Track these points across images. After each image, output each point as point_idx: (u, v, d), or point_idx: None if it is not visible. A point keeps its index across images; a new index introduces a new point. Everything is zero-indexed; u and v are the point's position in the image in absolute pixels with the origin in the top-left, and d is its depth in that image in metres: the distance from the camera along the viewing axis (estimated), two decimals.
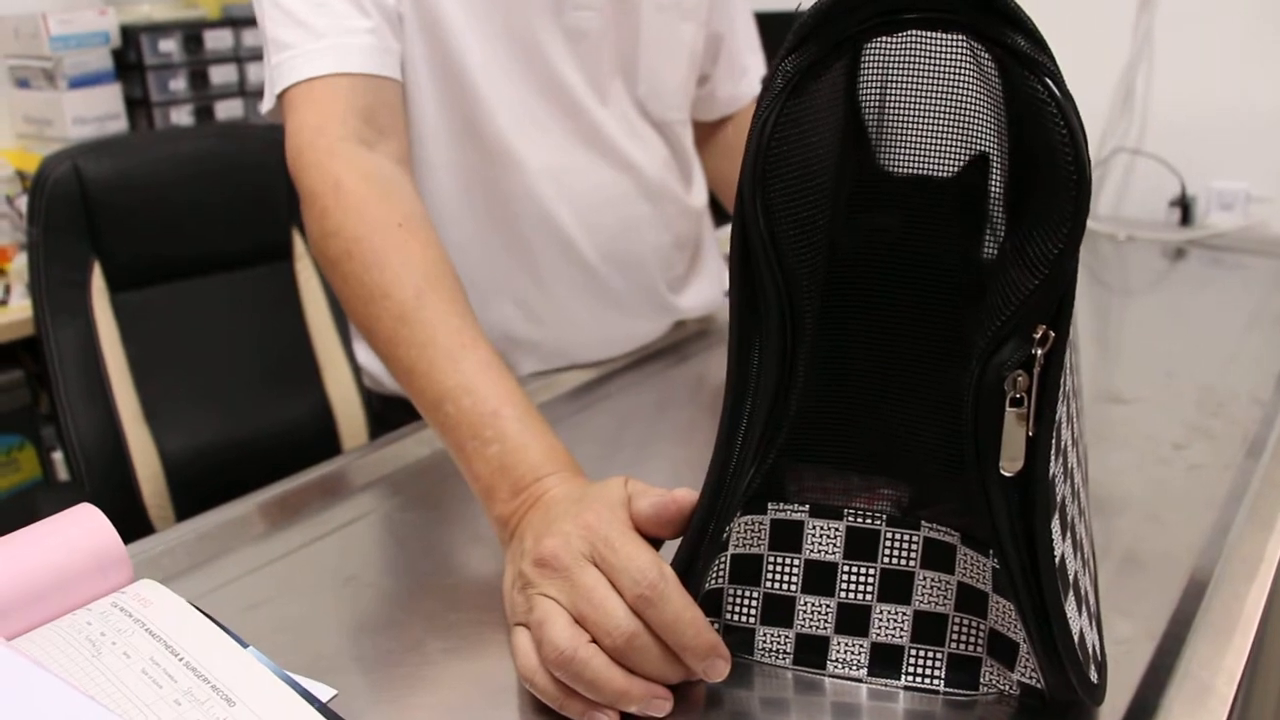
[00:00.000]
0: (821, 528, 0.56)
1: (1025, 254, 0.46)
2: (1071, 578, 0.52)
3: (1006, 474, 0.48)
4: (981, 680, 0.55)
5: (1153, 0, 1.55)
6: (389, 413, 1.06)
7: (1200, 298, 1.31)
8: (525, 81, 0.91)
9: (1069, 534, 0.52)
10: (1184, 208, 1.56)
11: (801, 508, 0.56)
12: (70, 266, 1.32)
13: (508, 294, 0.97)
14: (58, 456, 1.94)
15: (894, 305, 0.52)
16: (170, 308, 1.40)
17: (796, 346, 0.51)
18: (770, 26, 1.16)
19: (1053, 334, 0.45)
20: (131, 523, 1.27)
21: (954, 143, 0.49)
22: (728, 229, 0.52)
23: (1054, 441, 0.48)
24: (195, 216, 1.39)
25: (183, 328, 1.40)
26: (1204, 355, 1.06)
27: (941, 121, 0.49)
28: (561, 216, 0.95)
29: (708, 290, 1.12)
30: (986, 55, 0.46)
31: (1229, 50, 1.52)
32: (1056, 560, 0.50)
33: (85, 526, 0.63)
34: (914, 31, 0.48)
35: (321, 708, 0.53)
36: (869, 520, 0.55)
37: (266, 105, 0.84)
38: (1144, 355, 1.09)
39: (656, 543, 0.56)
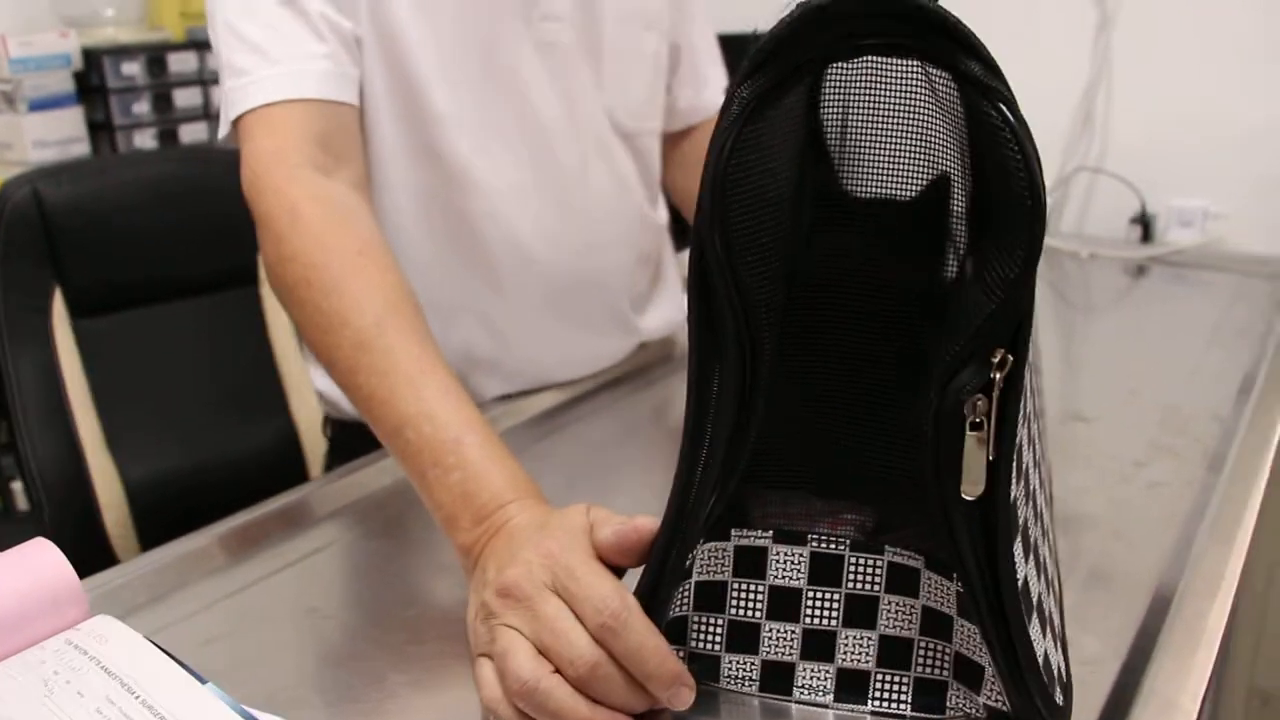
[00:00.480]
0: (785, 553, 0.55)
1: (982, 278, 0.46)
2: (1035, 600, 0.52)
3: (968, 498, 0.48)
4: (948, 704, 0.55)
5: (1111, 21, 1.57)
6: (346, 439, 1.05)
7: (1161, 314, 1.32)
8: (488, 99, 0.90)
9: (1032, 556, 0.52)
10: (1144, 225, 1.57)
11: (765, 534, 0.55)
12: (30, 293, 1.30)
13: (469, 314, 0.96)
14: (17, 486, 1.91)
15: (855, 328, 0.52)
16: (133, 334, 1.39)
17: (756, 372, 0.50)
18: (731, 48, 1.17)
19: (1011, 358, 0.45)
20: (93, 551, 1.25)
21: (915, 165, 0.49)
22: (687, 253, 0.52)
23: (1015, 465, 0.48)
24: (159, 241, 1.37)
25: (146, 354, 1.38)
26: (1165, 372, 1.07)
27: (902, 145, 0.49)
28: (523, 236, 0.94)
29: (669, 309, 1.12)
30: (942, 77, 0.47)
31: (1187, 70, 1.54)
32: (1019, 583, 0.50)
33: (39, 561, 0.61)
34: (871, 57, 0.48)
35: None
36: (833, 545, 0.55)
37: (223, 131, 0.84)
38: (1106, 373, 1.10)
39: (619, 571, 0.56)
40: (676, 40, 1.06)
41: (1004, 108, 0.44)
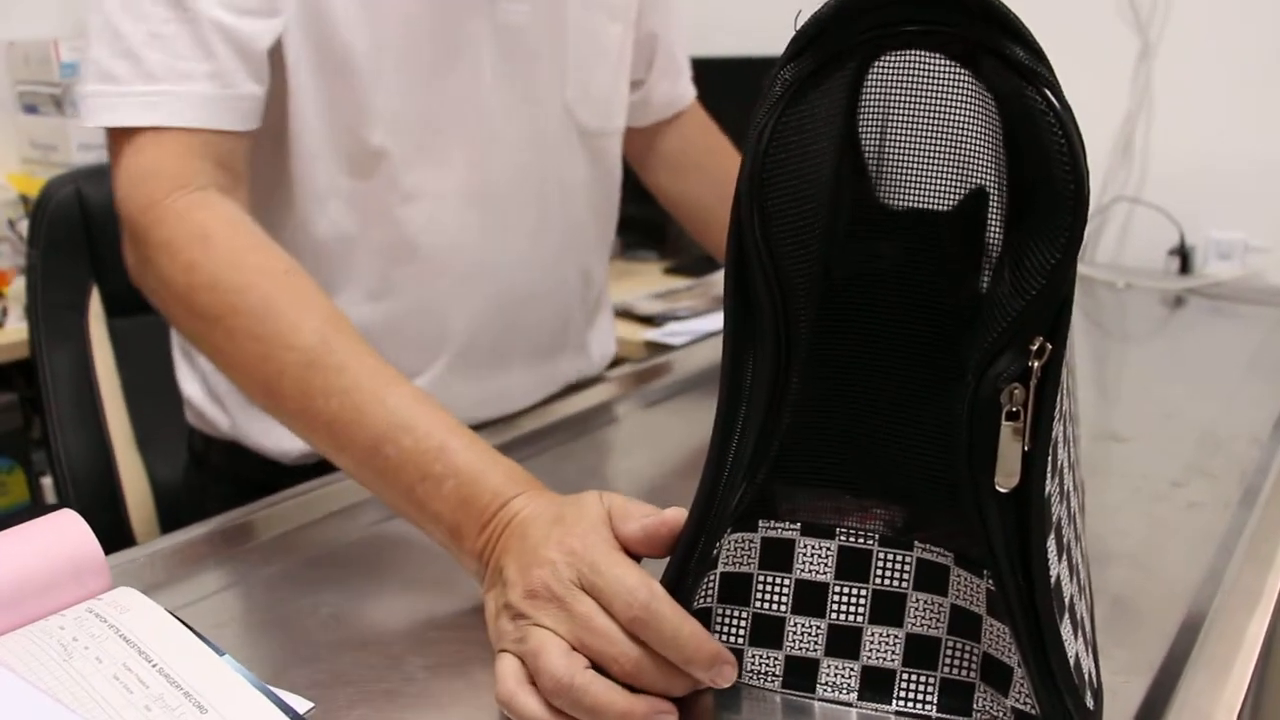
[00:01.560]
0: (813, 547, 0.55)
1: (1022, 265, 0.45)
2: (1067, 601, 0.51)
3: (1002, 490, 0.47)
4: (975, 706, 0.54)
5: (1153, 50, 1.56)
6: (211, 454, 0.98)
7: (1199, 344, 1.30)
8: (436, 90, 0.83)
9: (1065, 556, 0.51)
10: (1183, 256, 1.56)
11: (793, 526, 0.55)
12: (68, 290, 1.31)
13: (408, 334, 0.89)
14: (47, 482, 1.92)
15: (889, 329, 0.52)
16: (166, 335, 1.40)
17: (791, 357, 0.50)
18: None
19: (1049, 346, 0.45)
20: (118, 548, 1.25)
21: (953, 177, 0.49)
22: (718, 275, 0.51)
23: (1050, 459, 0.48)
24: None
25: None
26: (1202, 398, 1.05)
27: (941, 156, 0.49)
28: (466, 246, 0.88)
29: (607, 339, 1.07)
30: (983, 86, 0.46)
31: (1228, 101, 1.53)
32: (1052, 581, 0.49)
33: (65, 532, 0.62)
34: (913, 54, 0.47)
35: (297, 718, 0.52)
36: (861, 540, 0.54)
37: (91, 123, 0.75)
38: (1143, 397, 1.08)
39: (637, 556, 0.55)
40: (652, 29, 1.02)
41: (1049, 93, 0.44)
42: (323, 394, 0.64)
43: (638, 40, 1.01)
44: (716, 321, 1.54)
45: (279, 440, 0.90)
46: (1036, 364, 0.45)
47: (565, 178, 0.93)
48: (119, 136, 0.73)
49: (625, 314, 1.69)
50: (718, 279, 1.82)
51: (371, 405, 0.63)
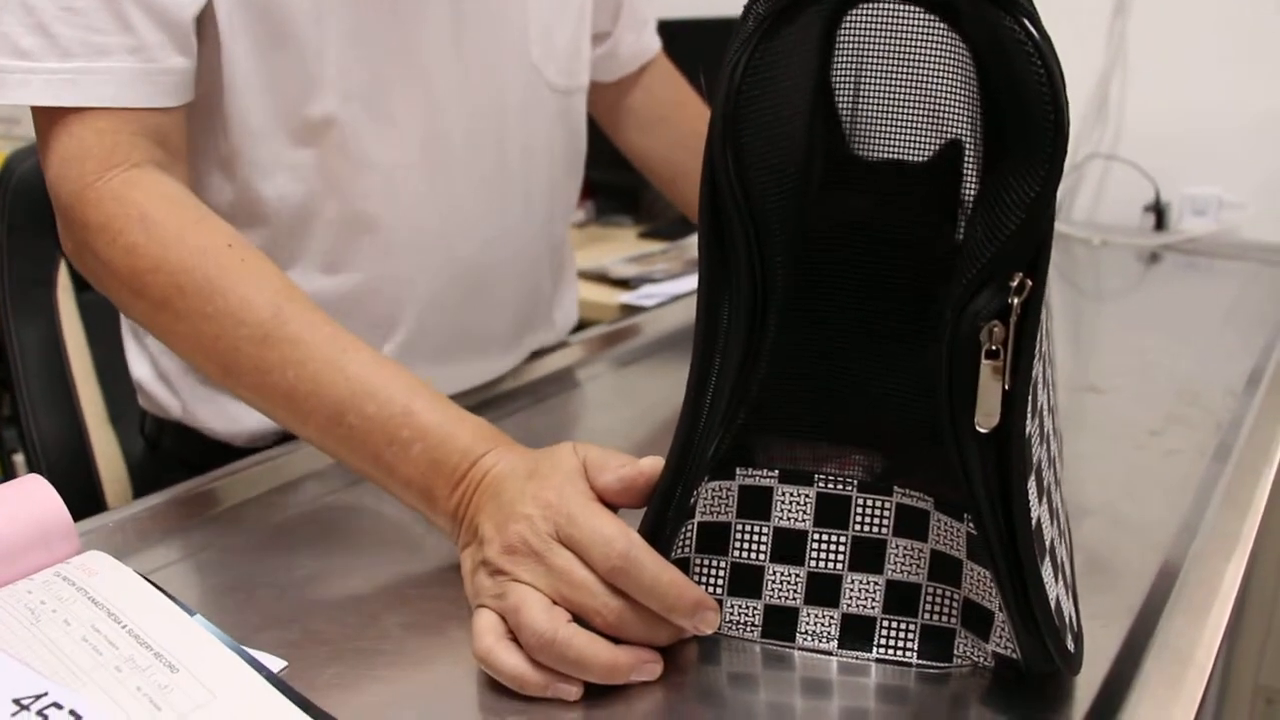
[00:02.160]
0: (791, 494, 0.54)
1: (1001, 201, 0.44)
2: (1048, 544, 0.50)
3: (982, 430, 0.46)
4: (955, 652, 0.54)
5: (1126, 8, 1.56)
6: (163, 438, 0.96)
7: (1174, 300, 1.31)
8: (387, 53, 0.79)
9: (1045, 499, 0.51)
10: (1158, 213, 1.56)
11: (771, 473, 0.54)
12: (35, 264, 1.29)
13: (363, 317, 0.85)
14: (19, 459, 1.90)
15: (867, 276, 0.51)
16: None
17: (768, 303, 0.49)
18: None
19: (1030, 282, 0.44)
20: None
21: (928, 128, 0.48)
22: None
23: (1030, 399, 0.47)
24: None
25: None
26: (1178, 351, 1.05)
27: (916, 107, 0.48)
28: (424, 224, 0.84)
29: (572, 307, 1.06)
30: (959, 38, 0.45)
31: (1202, 58, 1.53)
32: (1034, 522, 0.48)
33: (32, 497, 0.60)
34: (889, 4, 0.46)
35: (270, 676, 0.51)
36: (840, 486, 0.54)
37: (2, 100, 0.69)
38: (1120, 350, 1.08)
39: (615, 507, 0.54)
40: None
41: (1027, 22, 0.43)
42: (279, 367, 0.63)
43: None
44: (691, 284, 1.53)
45: (230, 423, 0.88)
46: (1016, 300, 0.44)
47: (530, 142, 0.90)
48: (44, 116, 0.69)
49: (600, 278, 1.68)
50: (692, 242, 1.81)
51: (330, 374, 0.62)
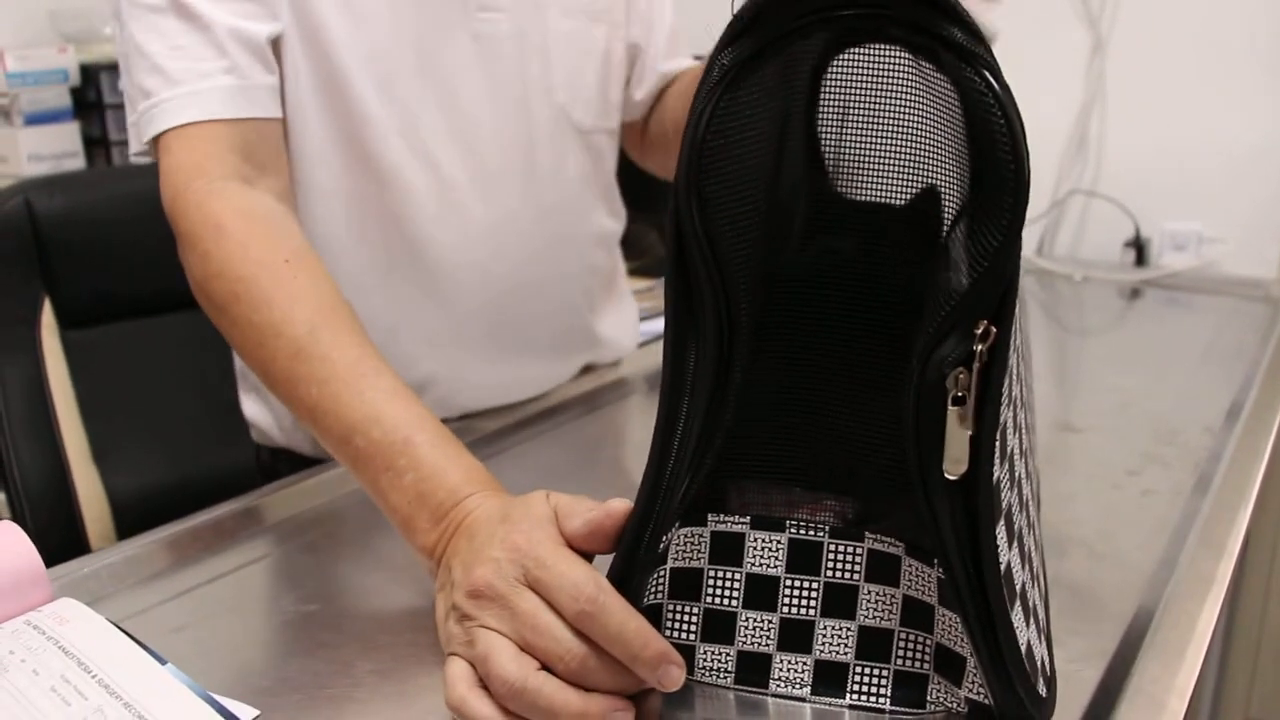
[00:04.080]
0: (763, 540, 0.54)
1: (967, 250, 0.45)
2: (1019, 588, 0.50)
3: (950, 477, 0.47)
4: (929, 698, 0.54)
5: (1104, 45, 1.57)
6: (278, 465, 1.01)
7: (1154, 335, 1.31)
8: (421, 96, 0.86)
9: (1015, 543, 0.51)
10: (1138, 249, 1.57)
11: (742, 519, 0.54)
12: (19, 302, 1.29)
13: (409, 329, 0.91)
14: (0, 497, 1.89)
15: (837, 321, 0.51)
16: (122, 347, 1.37)
17: (734, 348, 0.49)
18: None
19: (994, 329, 0.44)
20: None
21: (913, 171, 0.48)
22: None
23: (998, 445, 0.47)
24: (149, 254, 1.35)
25: (134, 367, 1.37)
26: (1157, 388, 1.06)
27: (901, 151, 0.48)
28: (462, 242, 0.90)
29: (623, 329, 1.08)
30: (946, 79, 0.46)
31: (1180, 95, 1.55)
32: (1002, 568, 0.48)
33: (3, 544, 0.60)
34: (866, 50, 0.47)
35: None
36: (812, 532, 0.54)
37: (134, 148, 0.82)
38: (1099, 388, 1.09)
39: (589, 556, 0.54)
40: (635, 39, 1.01)
41: (987, 74, 0.43)
42: (305, 383, 0.66)
43: (626, 46, 1.01)
44: None
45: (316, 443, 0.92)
46: (981, 347, 0.44)
47: (560, 172, 0.95)
48: (164, 143, 0.78)
49: None
50: None
51: (347, 396, 0.65)
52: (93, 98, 2.03)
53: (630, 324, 1.12)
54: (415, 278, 0.90)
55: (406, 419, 0.64)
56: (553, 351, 1.01)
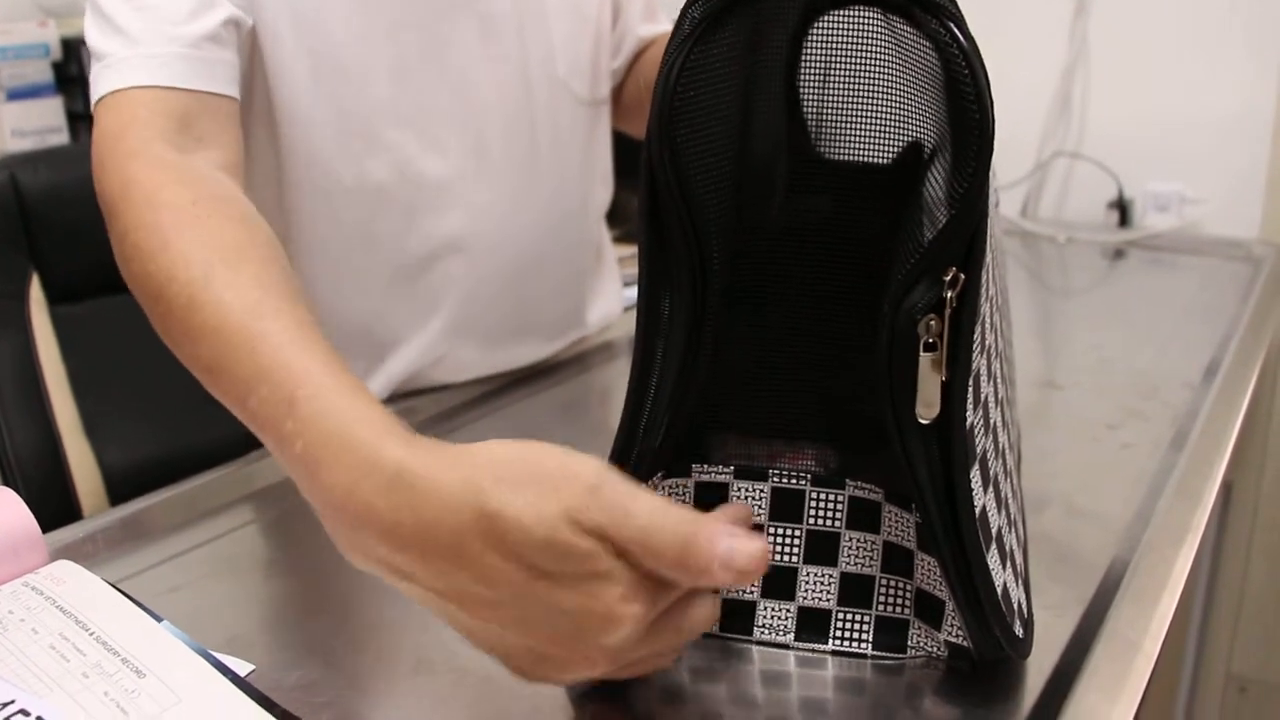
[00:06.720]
0: (747, 489, 0.55)
1: (937, 196, 0.46)
2: (994, 532, 0.52)
3: (923, 421, 0.48)
4: (909, 643, 0.55)
5: (1087, 8, 1.58)
6: None
7: (1137, 295, 1.32)
8: (427, 83, 0.85)
9: (991, 488, 0.52)
10: (1121, 210, 1.58)
11: (726, 469, 0.55)
12: (7, 278, 1.29)
13: (418, 320, 0.90)
14: None
15: (813, 273, 0.52)
16: (111, 320, 1.37)
17: (707, 299, 0.50)
18: None
19: (963, 276, 0.45)
20: None
21: (892, 129, 0.49)
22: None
23: (971, 390, 0.48)
24: None
25: (124, 340, 1.37)
26: (1139, 346, 1.07)
27: (881, 110, 0.49)
28: (471, 226, 0.89)
29: (610, 301, 1.09)
30: (923, 35, 0.46)
31: (1163, 56, 1.55)
32: (977, 511, 0.49)
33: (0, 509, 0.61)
34: (850, 12, 0.48)
35: (236, 679, 0.52)
36: (794, 480, 0.55)
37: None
38: (1082, 346, 1.10)
39: None
40: (617, 2, 1.01)
41: (952, 25, 0.44)
42: (198, 337, 0.55)
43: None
44: None
45: None
46: (951, 294, 0.45)
47: (564, 149, 0.95)
48: (98, 111, 0.71)
49: None
50: None
51: (239, 349, 0.53)
52: (75, 72, 2.01)
53: (616, 294, 1.12)
54: (421, 268, 0.89)
55: (295, 370, 0.50)
56: (551, 328, 1.01)
